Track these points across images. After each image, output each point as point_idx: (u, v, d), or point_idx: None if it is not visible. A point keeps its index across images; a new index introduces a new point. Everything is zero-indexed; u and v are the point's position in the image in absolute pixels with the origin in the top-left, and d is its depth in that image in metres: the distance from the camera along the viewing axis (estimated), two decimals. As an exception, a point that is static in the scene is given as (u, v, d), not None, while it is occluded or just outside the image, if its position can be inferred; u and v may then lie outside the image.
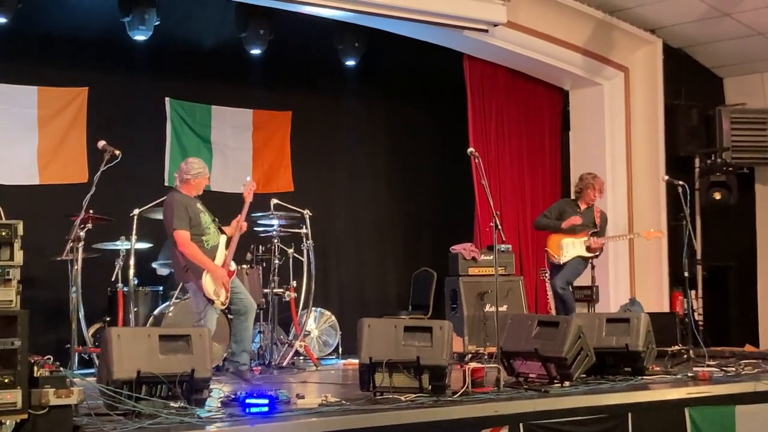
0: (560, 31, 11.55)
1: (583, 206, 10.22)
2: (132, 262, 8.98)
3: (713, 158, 12.47)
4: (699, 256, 12.14)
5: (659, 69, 12.34)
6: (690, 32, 12.19)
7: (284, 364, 9.60)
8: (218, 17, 10.64)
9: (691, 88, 12.73)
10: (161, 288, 9.67)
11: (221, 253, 7.86)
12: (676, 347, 9.75)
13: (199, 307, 7.76)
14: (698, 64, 12.92)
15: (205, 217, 7.89)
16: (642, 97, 12.34)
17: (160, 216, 9.19)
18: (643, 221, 12.16)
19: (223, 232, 8.01)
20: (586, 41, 11.80)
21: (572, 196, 10.54)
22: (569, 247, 10.00)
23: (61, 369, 5.18)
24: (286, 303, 9.96)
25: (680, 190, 9.46)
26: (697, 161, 12.66)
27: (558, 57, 11.76)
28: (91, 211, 8.39)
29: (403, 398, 6.51)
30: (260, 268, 9.70)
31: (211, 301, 7.64)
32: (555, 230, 10.13)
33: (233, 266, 7.93)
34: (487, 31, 10.83)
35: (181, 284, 9.20)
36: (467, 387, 6.74)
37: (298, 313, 10.08)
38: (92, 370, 8.11)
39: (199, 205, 7.91)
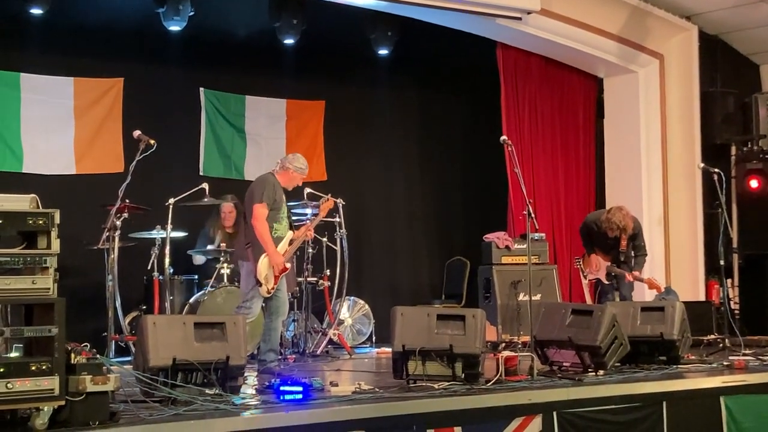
0: (594, 19, 11.48)
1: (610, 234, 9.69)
2: (167, 251, 9.04)
3: (749, 146, 12.35)
4: (735, 244, 12.03)
5: (695, 56, 12.23)
6: (726, 18, 12.06)
7: (318, 352, 9.64)
8: (252, 7, 10.68)
9: (726, 75, 12.61)
10: (196, 276, 9.75)
11: (283, 247, 7.98)
12: (712, 336, 9.64)
13: (248, 287, 7.86)
14: (734, 50, 12.79)
15: (284, 209, 8.04)
16: (677, 85, 12.24)
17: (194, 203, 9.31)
18: (678, 209, 12.09)
19: (291, 229, 8.11)
20: (620, 28, 11.71)
21: None
22: (593, 269, 9.84)
23: (98, 356, 5.22)
24: (319, 291, 10.00)
25: (716, 177, 9.36)
26: (733, 149, 12.53)
27: (592, 44, 11.68)
28: (127, 201, 8.47)
29: (436, 386, 6.52)
30: (294, 256, 9.72)
31: (259, 284, 7.70)
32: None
33: (288, 264, 8.00)
34: (520, 18, 10.78)
35: (216, 273, 9.30)
36: (500, 375, 6.73)
37: (332, 302, 10.11)
38: (129, 358, 8.20)
39: (284, 196, 8.06)
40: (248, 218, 7.90)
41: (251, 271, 7.80)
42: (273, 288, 7.82)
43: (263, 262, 7.75)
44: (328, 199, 8.70)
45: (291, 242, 8.11)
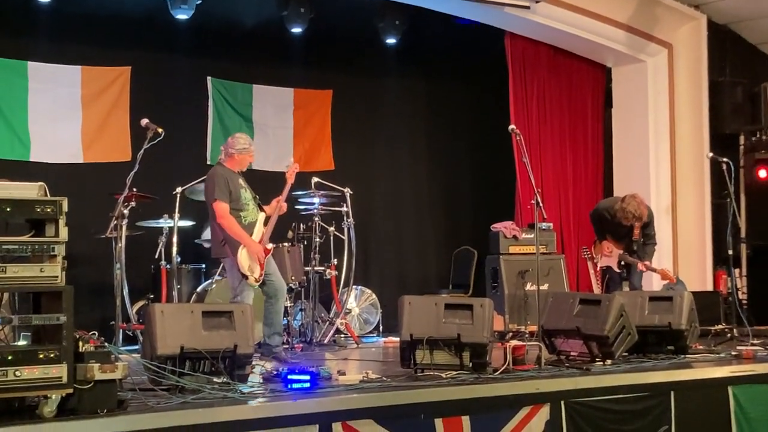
0: (603, 7, 11.44)
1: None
2: (175, 239, 9.06)
3: (758, 135, 12.33)
4: (743, 234, 12.03)
5: (703, 45, 12.20)
6: (735, 8, 12.02)
7: (325, 341, 9.64)
8: (259, -4, 10.68)
9: (735, 64, 12.58)
10: (204, 265, 9.75)
11: (258, 231, 7.88)
12: (720, 326, 9.63)
13: (235, 283, 7.80)
14: (743, 40, 12.75)
15: (246, 194, 7.91)
16: (686, 74, 12.20)
17: (202, 197, 9.28)
18: (686, 199, 12.06)
19: (262, 210, 8.02)
20: (629, 17, 11.68)
21: None
22: (605, 253, 9.77)
23: (106, 344, 5.23)
24: (327, 281, 10.00)
25: (724, 167, 9.33)
26: (741, 138, 12.51)
27: (601, 33, 11.65)
28: (134, 189, 8.47)
29: (443, 375, 6.52)
30: (301, 246, 9.73)
31: (245, 277, 7.67)
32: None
33: (270, 245, 7.96)
34: (528, 7, 10.77)
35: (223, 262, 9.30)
36: (508, 364, 6.72)
37: (339, 291, 10.11)
38: (136, 347, 8.21)
39: (240, 181, 7.93)
40: (212, 218, 7.82)
41: (234, 265, 7.74)
42: (261, 275, 7.78)
43: (242, 254, 7.66)
44: (292, 165, 8.37)
45: (266, 222, 8.00)
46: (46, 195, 5.13)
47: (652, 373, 7.00)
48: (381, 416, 5.73)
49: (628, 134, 12.34)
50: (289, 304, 9.14)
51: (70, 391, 4.94)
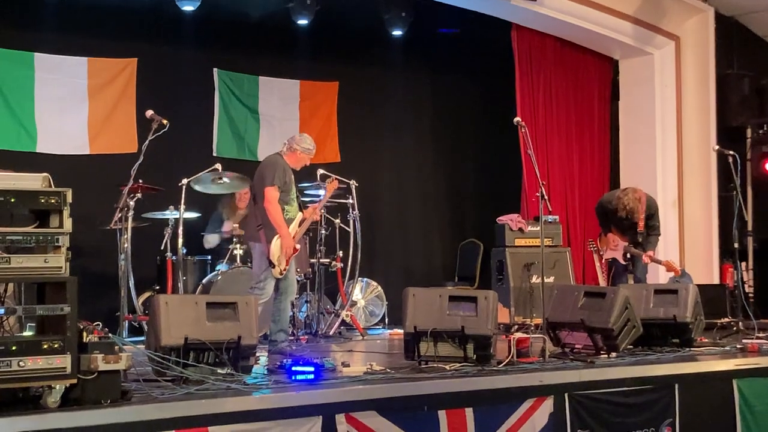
0: (610, -1, 11.44)
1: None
2: (181, 231, 9.05)
3: (765, 128, 12.28)
4: (749, 227, 12.01)
5: (711, 38, 12.17)
6: (742, 0, 11.98)
7: (331, 333, 9.65)
8: (265, -13, 10.67)
9: (743, 57, 12.54)
10: (209, 257, 9.76)
11: (293, 229, 8.04)
12: (726, 319, 9.62)
13: (260, 269, 7.92)
14: (750, 32, 12.71)
15: (294, 190, 8.09)
16: (693, 67, 12.18)
17: (206, 189, 9.28)
18: (693, 192, 12.04)
19: (301, 210, 8.14)
20: (636, 9, 11.65)
21: None
22: (611, 246, 9.76)
23: (110, 335, 5.24)
24: (332, 273, 10.00)
25: (731, 160, 9.30)
26: (748, 131, 12.47)
27: (608, 26, 11.63)
28: (140, 181, 8.47)
29: (447, 367, 6.52)
30: (307, 238, 9.72)
31: (272, 265, 7.73)
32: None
33: (298, 246, 8.04)
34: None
35: (229, 253, 9.32)
36: (512, 357, 6.72)
37: (345, 283, 10.12)
38: (142, 338, 8.21)
39: (293, 177, 8.09)
40: (259, 200, 7.92)
41: (263, 253, 7.84)
42: (285, 269, 7.87)
43: (276, 244, 7.80)
44: (333, 180, 8.74)
45: (301, 223, 8.15)
46: (50, 186, 5.14)
47: (656, 366, 6.98)
48: (384, 408, 5.74)
49: (634, 127, 12.32)
50: (294, 296, 9.16)
51: (74, 381, 4.95)
